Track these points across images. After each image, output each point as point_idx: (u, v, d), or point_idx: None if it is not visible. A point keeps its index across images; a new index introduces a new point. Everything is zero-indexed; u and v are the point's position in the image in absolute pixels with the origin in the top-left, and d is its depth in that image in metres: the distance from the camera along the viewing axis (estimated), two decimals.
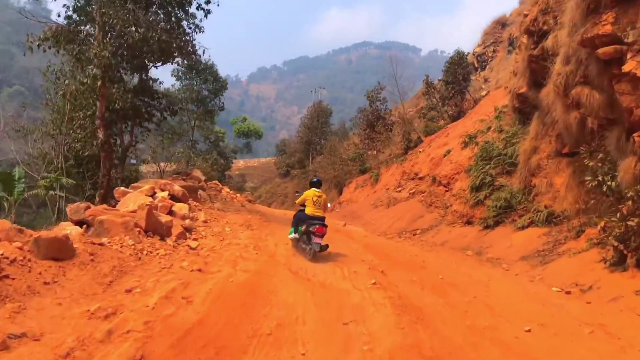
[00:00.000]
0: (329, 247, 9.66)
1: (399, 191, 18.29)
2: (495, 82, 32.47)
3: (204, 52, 17.25)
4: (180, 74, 38.19)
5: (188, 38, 16.76)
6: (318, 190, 10.21)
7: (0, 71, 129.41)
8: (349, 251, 11.10)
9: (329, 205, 10.60)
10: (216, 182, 23.57)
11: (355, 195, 30.47)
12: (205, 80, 38.57)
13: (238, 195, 25.09)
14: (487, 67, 37.06)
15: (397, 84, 31.01)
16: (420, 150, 25.15)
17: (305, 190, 10.46)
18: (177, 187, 11.36)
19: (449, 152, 18.58)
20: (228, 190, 24.52)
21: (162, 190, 11.34)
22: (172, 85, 38.44)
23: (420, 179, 18.02)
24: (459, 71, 29.63)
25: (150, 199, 9.99)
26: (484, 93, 30.67)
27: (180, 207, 10.33)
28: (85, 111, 15.50)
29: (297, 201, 10.50)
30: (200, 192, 15.16)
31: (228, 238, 10.09)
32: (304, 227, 9.59)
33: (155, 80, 17.80)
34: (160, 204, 9.80)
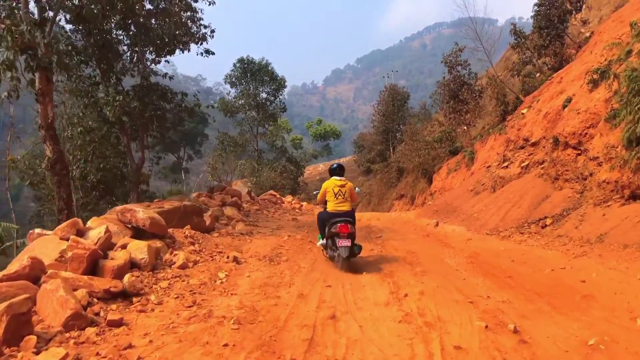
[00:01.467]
0: (362, 249, 7.93)
1: (506, 167, 13.09)
2: (599, 19, 25.78)
3: (212, 35, 13.44)
4: (234, 79, 35.20)
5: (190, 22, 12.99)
6: (339, 178, 8.21)
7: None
8: (443, 271, 6.52)
9: (357, 190, 8.59)
10: (272, 192, 19.73)
11: (449, 181, 25.20)
12: (261, 81, 35.24)
13: (305, 204, 21.07)
14: (584, 7, 29.93)
15: (481, 40, 25.30)
16: (523, 110, 19.47)
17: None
18: (142, 216, 7.26)
19: (569, 100, 13.04)
20: (292, 199, 20.58)
21: (122, 221, 7.36)
22: (227, 94, 35.59)
23: (534, 145, 12.70)
24: (553, 12, 23.41)
25: (66, 243, 5.98)
26: (587, 34, 24.11)
27: (134, 249, 6.26)
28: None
29: (318, 199, 8.47)
30: (228, 208, 11.23)
31: (208, 298, 5.62)
32: (327, 230, 7.76)
33: (164, 76, 14.27)
34: (74, 253, 5.60)
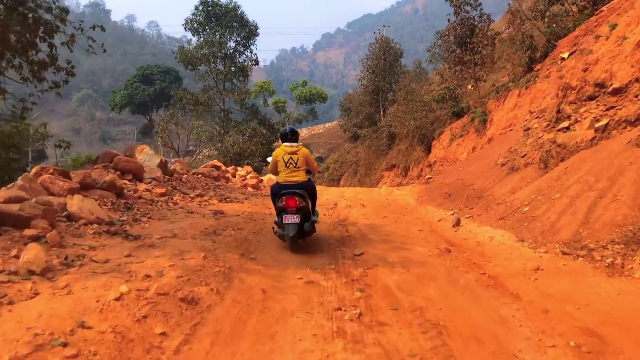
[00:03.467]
0: (315, 226, 6.61)
1: (567, 128, 8.04)
2: None
3: None
4: (196, 25, 29.35)
5: None
6: (291, 144, 6.71)
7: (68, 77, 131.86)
8: None
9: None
10: (216, 163, 14.26)
11: (453, 150, 20.23)
12: (229, 28, 29.47)
13: (267, 177, 15.78)
14: None
15: None
16: (564, 54, 14.35)
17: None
18: None
19: None
20: (246, 173, 15.35)
21: None
22: (188, 42, 29.79)
23: (617, 93, 7.65)
24: None
25: None
26: None
27: None
28: None
29: (269, 169, 7.14)
30: (79, 200, 5.99)
31: None
32: (275, 204, 6.70)
33: None
34: None
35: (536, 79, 14.96)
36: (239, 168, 15.43)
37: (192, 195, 9.61)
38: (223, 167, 13.47)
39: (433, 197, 12.04)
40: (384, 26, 37.95)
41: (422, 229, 7.92)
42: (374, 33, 36.83)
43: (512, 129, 13.76)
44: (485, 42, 20.80)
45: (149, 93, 57.74)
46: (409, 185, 19.65)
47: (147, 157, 10.43)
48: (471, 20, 21.20)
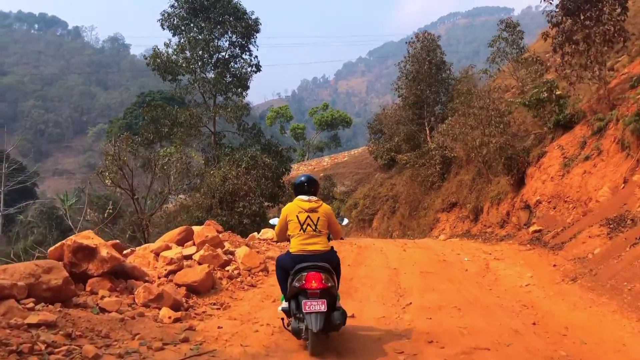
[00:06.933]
0: (346, 316, 4.70)
1: None
2: None
3: None
4: (176, 20, 21.84)
5: None
6: (308, 198, 4.99)
7: (85, 112, 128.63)
8: None
9: (345, 222, 5.63)
10: (82, 240, 5.80)
11: (575, 182, 11.84)
12: (220, 23, 21.88)
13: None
14: None
15: None
16: None
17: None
18: None
19: None
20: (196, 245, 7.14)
21: None
22: (166, 43, 22.17)
23: None
24: None
25: None
26: None
27: None
28: None
29: (275, 233, 5.29)
30: None
31: None
32: (289, 284, 4.75)
33: None
34: None
35: None
36: (172, 247, 7.14)
37: None
38: (105, 252, 5.19)
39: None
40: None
41: None
42: (406, 43, 28.65)
43: None
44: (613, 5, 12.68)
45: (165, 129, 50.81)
46: (514, 246, 11.23)
47: None
48: None
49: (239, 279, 6.73)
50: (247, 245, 9.87)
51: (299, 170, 45.52)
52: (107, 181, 15.84)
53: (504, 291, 7.02)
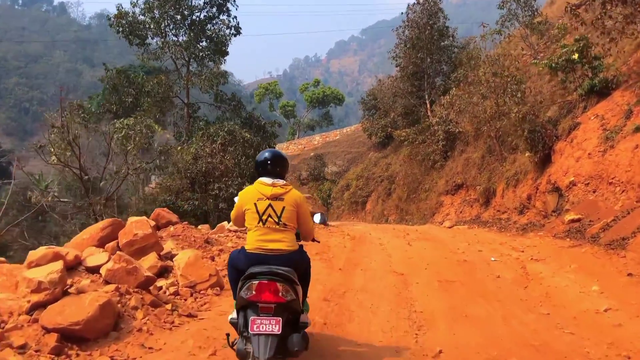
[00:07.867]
0: (308, 340, 3.49)
1: None
2: None
3: None
4: None
5: None
6: (272, 180, 3.78)
7: (71, 90, 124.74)
8: None
9: (318, 218, 4.49)
10: None
11: (620, 159, 9.48)
12: None
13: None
14: None
15: None
16: None
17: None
18: None
19: None
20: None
21: None
22: (132, 2, 19.33)
23: None
24: None
25: None
26: None
27: None
28: None
29: (232, 218, 4.05)
30: None
31: None
32: (238, 292, 3.59)
33: None
34: None
35: None
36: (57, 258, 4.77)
37: None
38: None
39: None
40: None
41: None
42: (401, 13, 25.83)
43: None
44: None
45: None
46: (547, 239, 8.87)
47: None
48: None
49: (168, 306, 4.36)
50: (206, 241, 7.47)
51: (288, 150, 42.90)
52: (52, 158, 13.30)
53: (573, 320, 4.68)
